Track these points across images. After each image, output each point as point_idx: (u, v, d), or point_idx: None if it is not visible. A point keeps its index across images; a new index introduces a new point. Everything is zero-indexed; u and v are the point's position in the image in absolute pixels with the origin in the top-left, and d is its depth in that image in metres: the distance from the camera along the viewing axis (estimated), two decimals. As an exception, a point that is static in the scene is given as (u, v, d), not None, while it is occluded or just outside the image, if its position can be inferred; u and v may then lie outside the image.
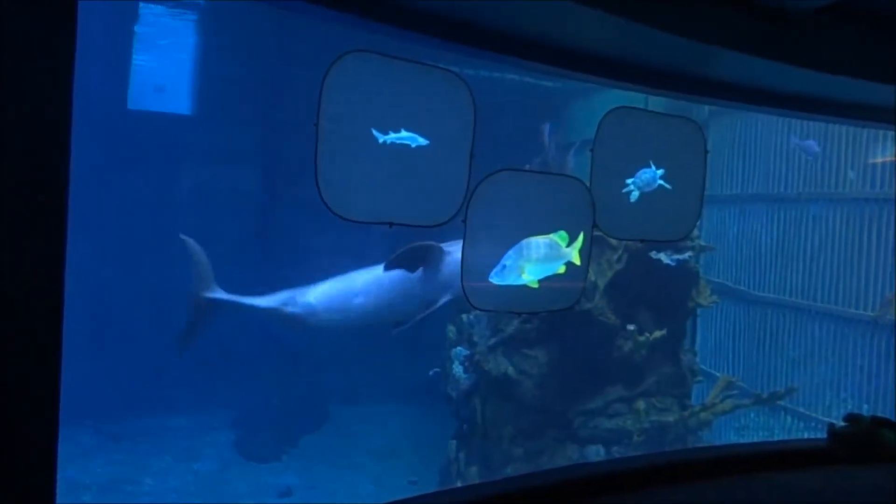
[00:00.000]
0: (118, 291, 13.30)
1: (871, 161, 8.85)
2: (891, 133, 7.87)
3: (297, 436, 12.52)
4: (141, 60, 14.39)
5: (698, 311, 10.18)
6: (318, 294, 9.84)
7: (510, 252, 3.33)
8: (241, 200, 14.57)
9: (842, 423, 2.65)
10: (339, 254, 13.08)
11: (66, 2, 2.10)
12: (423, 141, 2.92)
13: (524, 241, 3.35)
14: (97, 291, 12.58)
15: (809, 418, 9.42)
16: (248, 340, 13.57)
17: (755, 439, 9.67)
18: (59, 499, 1.92)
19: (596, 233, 3.65)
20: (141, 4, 12.50)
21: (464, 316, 9.50)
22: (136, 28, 13.53)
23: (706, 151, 3.91)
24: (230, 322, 13.71)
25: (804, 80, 3.56)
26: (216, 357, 13.16)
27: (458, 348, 9.58)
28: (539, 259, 3.38)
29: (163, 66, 14.57)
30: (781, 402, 9.54)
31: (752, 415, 10.10)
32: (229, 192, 14.49)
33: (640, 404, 8.77)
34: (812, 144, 9.12)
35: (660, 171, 3.67)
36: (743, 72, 3.63)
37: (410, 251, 8.88)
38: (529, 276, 3.37)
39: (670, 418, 8.78)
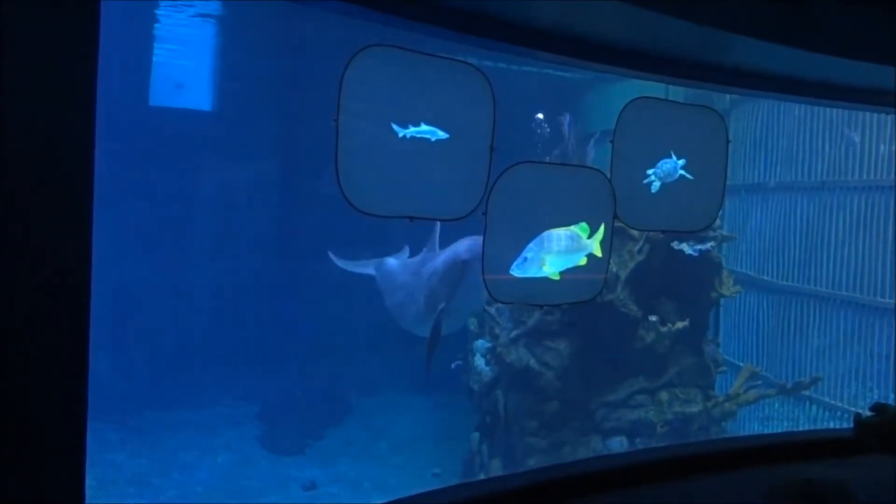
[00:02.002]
0: (141, 287, 13.42)
1: (896, 148, 8.74)
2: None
3: (320, 428, 12.58)
4: (161, 58, 14.49)
5: (721, 301, 10.12)
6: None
7: (531, 244, 3.33)
8: (261, 196, 14.64)
9: (868, 413, 2.62)
10: (359, 248, 13.15)
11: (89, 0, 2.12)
12: (442, 134, 2.92)
13: (545, 234, 3.35)
14: (121, 287, 12.70)
15: (835, 408, 9.34)
16: (269, 334, 13.67)
17: (780, 429, 9.61)
18: (87, 494, 1.94)
19: (617, 224, 3.63)
20: (160, 1, 12.57)
21: (485, 309, 9.51)
22: (156, 25, 13.61)
23: (728, 140, 3.89)
24: (252, 316, 13.82)
25: (822, 66, 3.53)
26: (239, 351, 13.26)
27: (480, 341, 9.58)
28: (560, 251, 3.37)
29: (183, 62, 14.66)
30: (806, 392, 9.46)
31: (776, 405, 10.02)
32: (250, 187, 14.58)
33: (663, 395, 8.75)
34: (853, 136, 9.02)
35: (681, 162, 3.65)
36: (760, 59, 3.60)
37: None
38: (550, 268, 3.37)
39: (694, 409, 8.75)
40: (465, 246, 8.10)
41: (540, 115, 9.53)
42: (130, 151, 12.45)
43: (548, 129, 9.48)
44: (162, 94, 14.68)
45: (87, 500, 1.99)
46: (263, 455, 11.83)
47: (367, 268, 10.47)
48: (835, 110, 9.03)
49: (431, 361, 8.58)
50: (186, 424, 12.34)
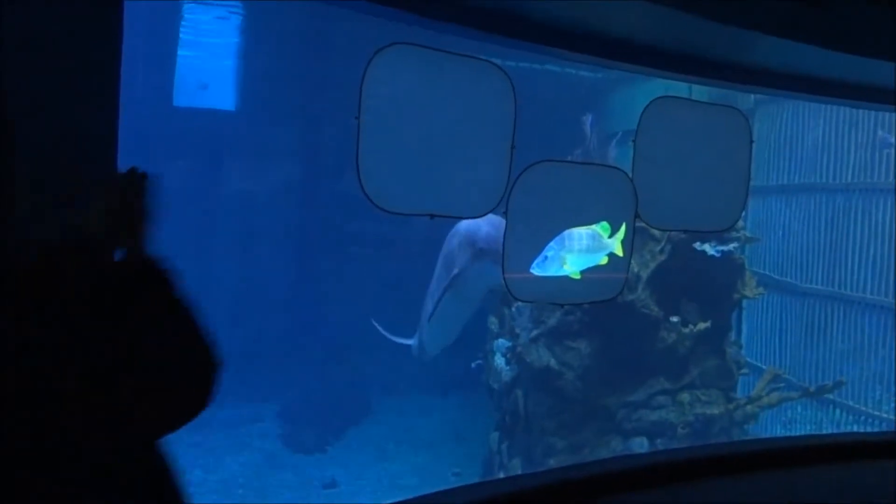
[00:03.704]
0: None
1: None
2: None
3: (340, 428, 12.62)
4: (185, 58, 14.59)
5: (744, 302, 10.04)
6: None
7: (552, 243, 3.32)
8: (284, 195, 14.71)
9: None
10: (380, 246, 13.18)
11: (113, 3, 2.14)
12: None
13: (566, 232, 3.34)
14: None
15: (859, 412, 9.24)
16: (291, 333, 13.72)
17: (803, 433, 9.52)
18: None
19: (638, 223, 3.62)
20: (184, 2, 12.67)
21: (505, 308, 9.50)
22: (181, 26, 13.72)
23: (751, 141, 3.86)
24: (274, 315, 13.88)
25: (845, 65, 3.49)
26: (260, 350, 13.33)
27: (500, 340, 9.57)
28: (581, 250, 3.36)
29: (207, 63, 14.75)
30: (830, 396, 9.37)
31: (799, 408, 9.94)
32: (272, 186, 14.65)
33: (685, 397, 8.69)
34: (887, 137, 8.89)
35: None
36: (783, 58, 3.57)
37: None
38: (571, 267, 3.36)
39: (715, 411, 8.68)
40: (483, 232, 8.16)
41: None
42: (155, 151, 12.55)
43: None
44: (186, 94, 14.78)
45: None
46: (285, 454, 11.88)
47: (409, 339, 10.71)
48: (861, 111, 8.94)
49: (435, 313, 8.75)
50: (208, 423, 12.36)
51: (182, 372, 1.57)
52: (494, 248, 7.63)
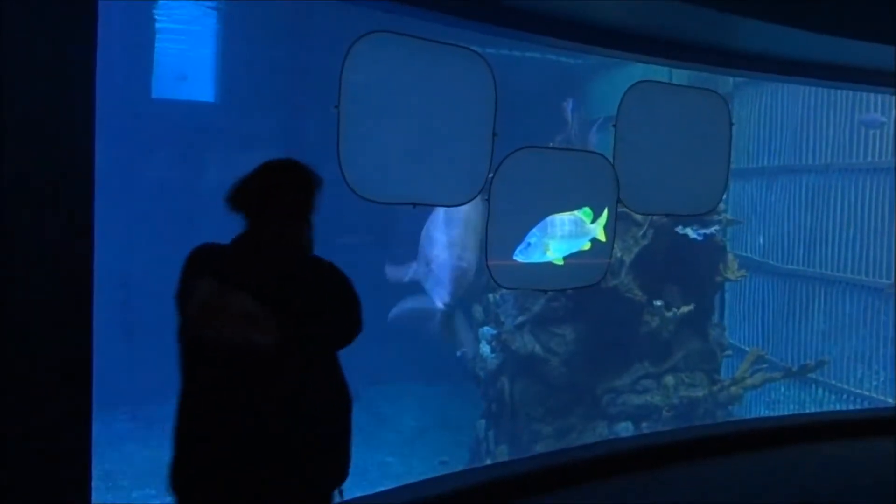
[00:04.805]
0: (148, 279, 13.42)
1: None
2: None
3: (327, 417, 12.60)
4: (163, 49, 14.43)
5: (726, 285, 10.10)
6: None
7: (534, 229, 3.32)
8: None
9: None
10: (366, 236, 13.14)
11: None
12: None
13: (548, 218, 3.34)
14: (128, 280, 12.71)
15: (841, 391, 9.34)
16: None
17: (786, 413, 9.61)
18: (95, 484, 1.94)
19: (621, 208, 3.63)
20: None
21: (490, 295, 9.51)
22: (158, 16, 13.57)
23: (731, 124, 3.88)
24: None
25: (826, 47, 3.51)
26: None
27: (485, 328, 9.58)
28: (564, 236, 3.36)
29: (186, 52, 14.60)
30: (812, 375, 9.46)
31: (782, 388, 10.02)
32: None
33: (669, 380, 8.75)
34: (876, 117, 8.87)
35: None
36: (765, 41, 3.58)
37: None
38: (554, 253, 3.36)
39: (699, 393, 8.75)
40: (451, 266, 8.42)
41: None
42: (134, 144, 12.43)
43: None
44: (164, 86, 14.62)
45: (95, 492, 1.99)
46: (271, 445, 11.85)
47: None
48: (839, 92, 8.98)
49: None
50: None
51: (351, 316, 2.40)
52: (448, 283, 7.97)
